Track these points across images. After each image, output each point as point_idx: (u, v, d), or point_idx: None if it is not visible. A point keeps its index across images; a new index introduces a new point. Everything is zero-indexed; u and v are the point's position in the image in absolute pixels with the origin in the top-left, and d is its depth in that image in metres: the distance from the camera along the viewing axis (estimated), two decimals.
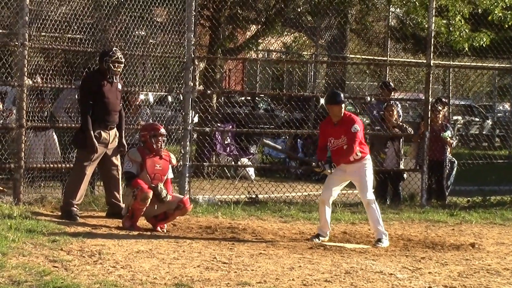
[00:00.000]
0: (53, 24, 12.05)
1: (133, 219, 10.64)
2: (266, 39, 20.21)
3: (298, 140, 18.77)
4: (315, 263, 8.90)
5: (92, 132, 11.03)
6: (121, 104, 11.58)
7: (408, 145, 15.37)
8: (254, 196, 13.93)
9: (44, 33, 12.10)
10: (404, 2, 16.36)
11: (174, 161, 11.01)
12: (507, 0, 15.47)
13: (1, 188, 12.12)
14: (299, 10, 18.76)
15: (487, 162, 17.56)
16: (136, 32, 13.15)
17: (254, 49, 19.03)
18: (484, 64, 19.10)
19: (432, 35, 14.29)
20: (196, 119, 13.76)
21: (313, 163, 10.51)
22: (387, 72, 19.77)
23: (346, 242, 10.55)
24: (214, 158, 17.18)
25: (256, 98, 23.77)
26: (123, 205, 11.02)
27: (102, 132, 11.18)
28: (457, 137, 17.35)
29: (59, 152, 12.90)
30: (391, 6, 19.41)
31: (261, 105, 24.30)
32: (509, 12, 15.55)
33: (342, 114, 10.35)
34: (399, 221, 12.42)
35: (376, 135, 14.41)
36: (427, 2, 14.80)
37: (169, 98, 18.17)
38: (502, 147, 23.17)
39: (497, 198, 14.77)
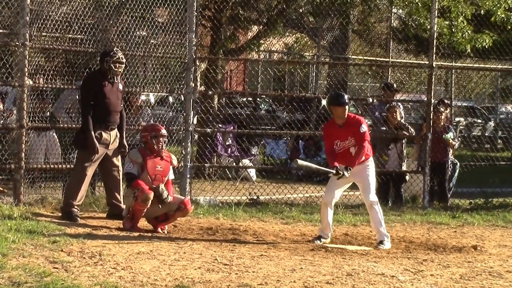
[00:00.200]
0: (54, 24, 12.03)
1: (133, 220, 10.61)
2: (267, 39, 20.20)
3: (300, 141, 18.74)
4: (317, 265, 8.87)
5: (93, 132, 11.00)
6: (122, 105, 11.55)
7: (410, 147, 15.34)
8: (255, 197, 13.91)
9: (45, 33, 12.07)
10: (406, 3, 16.31)
11: (175, 162, 10.98)
12: (510, 1, 15.43)
13: (1, 189, 12.10)
14: (301, 11, 18.74)
15: (490, 164, 17.50)
16: (137, 33, 13.12)
17: (256, 50, 18.99)
18: (486, 66, 19.08)
19: (435, 36, 14.27)
20: (195, 121, 13.73)
21: (332, 171, 10.28)
22: (389, 73, 19.76)
23: (347, 244, 10.52)
24: (215, 159, 17.15)
25: (258, 99, 23.76)
26: (123, 206, 10.99)
27: (103, 133, 11.15)
28: (459, 138, 17.30)
29: (60, 153, 12.88)
30: (393, 7, 19.38)
31: (263, 106, 24.28)
32: None
33: (346, 116, 10.31)
34: (401, 223, 12.39)
35: (379, 137, 14.37)
36: (429, 3, 14.77)
37: (170, 99, 18.15)
38: (504, 148, 23.12)
39: (499, 200, 14.74)
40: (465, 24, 15.51)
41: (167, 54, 13.45)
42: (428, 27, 14.83)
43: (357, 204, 13.36)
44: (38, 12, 11.86)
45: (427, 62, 14.67)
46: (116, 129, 11.36)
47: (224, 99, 19.41)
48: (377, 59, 21.19)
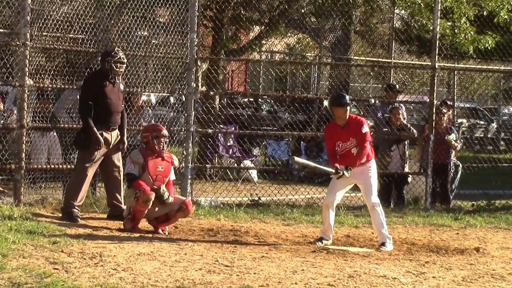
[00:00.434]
0: (55, 24, 12.01)
1: (134, 221, 10.59)
2: (269, 40, 20.16)
3: (302, 142, 18.71)
4: (318, 267, 8.84)
5: (94, 128, 10.94)
6: (123, 105, 11.51)
7: (413, 148, 15.31)
8: (256, 198, 13.88)
9: (45, 33, 12.06)
10: (409, 3, 16.27)
11: (176, 162, 10.96)
12: None
13: (2, 189, 12.07)
14: (303, 11, 18.72)
15: (492, 166, 17.46)
16: (139, 33, 13.10)
17: (257, 50, 18.97)
18: (489, 67, 19.04)
19: (437, 37, 14.24)
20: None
21: (332, 171, 10.29)
22: (391, 74, 19.73)
23: (349, 245, 10.50)
24: (216, 160, 17.12)
25: (259, 99, 23.73)
26: (124, 207, 10.96)
27: (104, 133, 11.12)
28: (461, 140, 17.25)
29: (61, 153, 12.86)
30: (395, 7, 19.35)
31: (264, 106, 24.25)
32: None
33: (348, 117, 10.28)
34: (403, 225, 12.36)
35: (381, 138, 14.34)
36: (432, 4, 14.73)
37: (171, 99, 18.12)
38: (507, 150, 23.11)
39: (502, 202, 14.72)
40: (468, 25, 15.48)
41: (169, 54, 13.43)
42: (431, 28, 14.81)
43: (359, 206, 13.34)
44: (39, 11, 11.84)
45: (430, 63, 14.64)
46: (117, 130, 11.32)
47: (225, 100, 19.38)
48: (379, 60, 21.17)
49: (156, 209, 10.57)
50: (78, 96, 11.73)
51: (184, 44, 13.33)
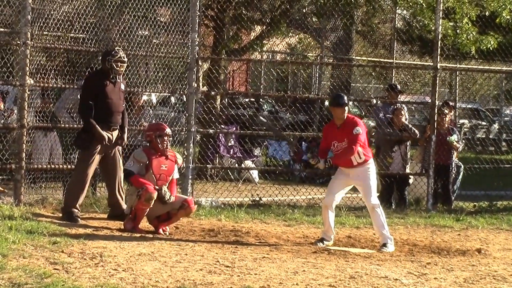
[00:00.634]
0: (56, 23, 12.00)
1: (135, 221, 10.57)
2: (270, 40, 20.15)
3: (303, 142, 18.68)
4: (319, 268, 8.82)
5: (96, 125, 10.90)
6: (124, 105, 11.48)
7: (414, 149, 15.28)
8: (257, 199, 13.86)
9: (46, 32, 12.04)
10: (410, 4, 16.26)
11: (180, 161, 10.97)
12: None
13: (2, 189, 12.05)
14: (305, 11, 18.70)
15: (494, 167, 17.45)
16: (140, 32, 13.07)
17: (259, 50, 18.94)
18: (491, 67, 19.03)
19: (439, 38, 14.21)
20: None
21: (309, 155, 10.45)
22: (393, 75, 19.71)
23: (350, 246, 10.48)
24: (217, 160, 17.10)
25: (260, 99, 23.70)
26: (125, 207, 10.94)
27: (105, 133, 11.08)
28: (463, 141, 17.24)
29: (61, 153, 12.85)
30: (397, 8, 19.32)
31: (265, 107, 24.23)
32: None
33: (345, 117, 10.26)
34: (404, 226, 12.34)
35: (383, 139, 14.31)
36: (434, 4, 14.71)
37: (172, 99, 18.11)
38: (509, 151, 23.10)
39: (503, 203, 14.71)
40: (469, 25, 15.46)
41: (169, 54, 13.40)
42: (433, 28, 14.78)
43: (360, 206, 13.31)
44: (39, 11, 11.82)
45: (432, 64, 14.62)
46: (118, 130, 11.29)
47: (226, 100, 19.35)
48: (381, 60, 21.15)
49: (158, 207, 10.51)
50: (78, 96, 11.71)
51: (185, 44, 13.31)
